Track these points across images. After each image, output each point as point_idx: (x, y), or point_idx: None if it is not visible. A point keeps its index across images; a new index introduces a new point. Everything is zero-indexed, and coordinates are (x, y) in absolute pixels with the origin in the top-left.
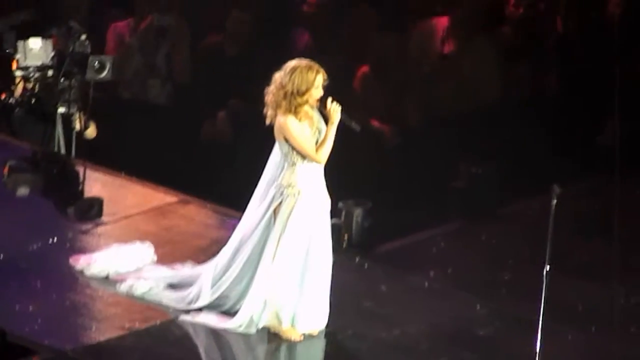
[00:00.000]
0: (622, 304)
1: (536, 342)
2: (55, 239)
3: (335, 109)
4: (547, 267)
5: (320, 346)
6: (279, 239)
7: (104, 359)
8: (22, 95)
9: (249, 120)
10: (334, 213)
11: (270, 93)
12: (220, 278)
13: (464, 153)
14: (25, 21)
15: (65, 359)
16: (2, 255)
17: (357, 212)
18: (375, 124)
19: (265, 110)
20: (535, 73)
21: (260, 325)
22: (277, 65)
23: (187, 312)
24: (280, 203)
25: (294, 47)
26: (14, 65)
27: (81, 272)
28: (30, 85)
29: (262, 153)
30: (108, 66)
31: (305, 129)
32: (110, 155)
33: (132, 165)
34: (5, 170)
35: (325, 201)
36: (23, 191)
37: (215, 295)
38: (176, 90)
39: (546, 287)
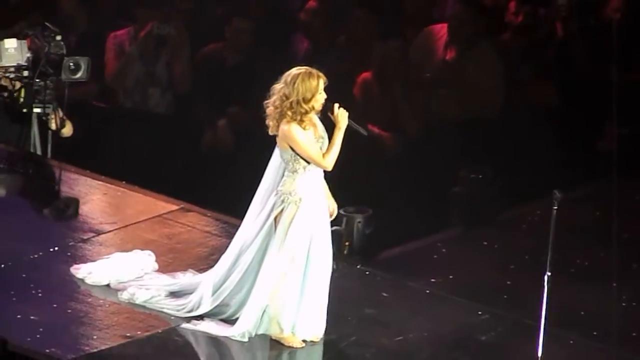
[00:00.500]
0: (623, 308)
1: (538, 347)
2: (56, 247)
3: (342, 114)
4: (548, 273)
5: (321, 353)
6: (280, 246)
7: None
8: None
9: (249, 128)
10: (335, 220)
11: (272, 105)
12: (220, 286)
13: (464, 159)
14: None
15: None
16: (2, 265)
17: (358, 219)
18: (376, 130)
19: (267, 122)
20: (534, 79)
21: (259, 332)
22: (277, 73)
23: (189, 320)
24: (282, 211)
25: (293, 54)
26: None
27: (82, 280)
28: (5, 86)
29: (262, 161)
30: (83, 67)
31: (309, 136)
32: (111, 164)
33: (133, 174)
34: None
35: (329, 207)
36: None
37: (216, 303)
38: (176, 98)
39: (548, 292)
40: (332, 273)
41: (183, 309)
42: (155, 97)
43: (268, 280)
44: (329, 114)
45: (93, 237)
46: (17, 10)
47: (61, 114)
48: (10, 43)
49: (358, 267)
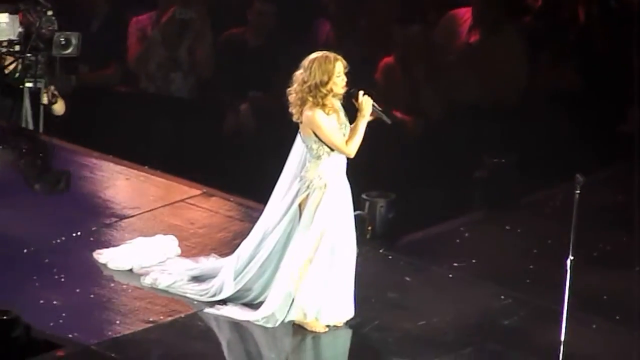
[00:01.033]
0: None
1: (560, 331)
2: (79, 232)
3: (367, 102)
4: (571, 257)
5: (345, 338)
6: (306, 232)
7: (129, 353)
8: None
9: (271, 112)
10: (358, 205)
11: (293, 92)
12: (242, 270)
13: (487, 143)
14: None
15: (89, 353)
16: (25, 250)
17: (381, 204)
18: (398, 115)
19: (290, 109)
20: (556, 63)
21: (287, 320)
22: (299, 57)
23: (211, 304)
24: (307, 197)
25: (315, 38)
26: None
27: (105, 265)
28: None
29: (284, 145)
30: (74, 42)
31: (333, 122)
32: (134, 149)
33: (155, 159)
34: None
35: (349, 192)
36: None
37: (238, 287)
38: (198, 82)
39: (570, 277)
40: (356, 257)
41: (206, 293)
42: (178, 82)
43: (293, 265)
44: (353, 100)
45: (116, 222)
46: None
47: (53, 89)
48: (2, 18)
49: (381, 251)
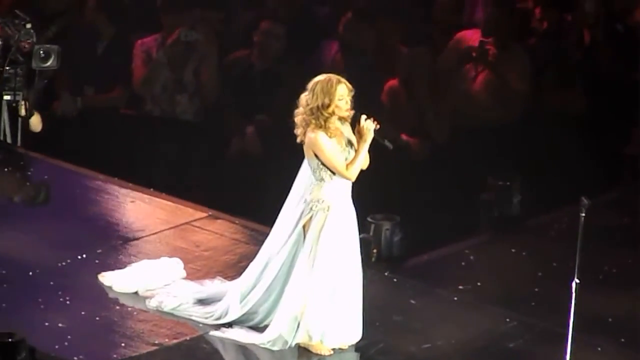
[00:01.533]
0: None
1: (566, 354)
2: (84, 255)
3: (368, 127)
4: (577, 279)
5: None
6: (310, 254)
7: None
8: None
9: (277, 135)
10: (363, 227)
11: (299, 114)
12: (248, 293)
13: (492, 165)
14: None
15: None
16: (31, 272)
17: (386, 227)
18: (404, 137)
19: (295, 131)
20: (561, 85)
21: (294, 343)
22: (305, 79)
23: (217, 327)
24: (310, 219)
25: (322, 59)
26: None
27: (110, 288)
28: None
29: (290, 168)
30: (53, 55)
31: (335, 145)
32: (139, 171)
33: (160, 181)
34: None
35: (354, 215)
36: None
37: (244, 311)
38: (204, 105)
39: (575, 299)
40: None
41: (211, 316)
42: (183, 104)
43: (297, 288)
44: (357, 124)
45: (121, 244)
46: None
47: (29, 104)
48: None
49: (386, 274)
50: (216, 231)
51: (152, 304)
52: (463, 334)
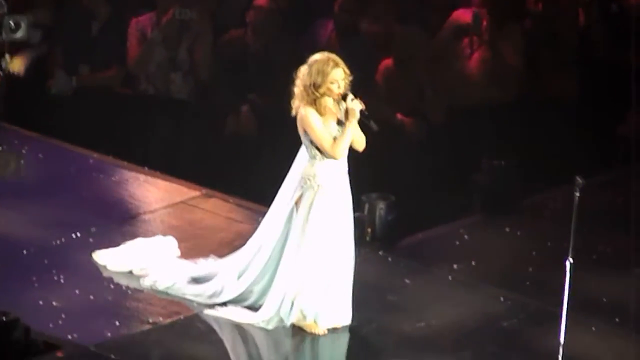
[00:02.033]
0: None
1: (560, 334)
2: (78, 233)
3: (354, 107)
4: (571, 259)
5: (344, 340)
6: (301, 232)
7: (128, 355)
8: None
9: (271, 113)
10: (358, 207)
11: (296, 85)
12: (244, 272)
13: (486, 146)
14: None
15: (88, 355)
16: (25, 251)
17: (381, 206)
18: (398, 117)
19: (292, 102)
20: (556, 66)
21: (289, 323)
22: (300, 58)
23: (211, 306)
24: (301, 196)
25: (317, 39)
26: None
27: (104, 267)
28: None
29: (285, 146)
30: (23, 26)
31: (329, 124)
32: (133, 150)
33: (155, 160)
34: None
35: (348, 196)
36: None
37: (240, 290)
38: (198, 84)
39: (570, 279)
40: (355, 260)
41: (205, 295)
42: (177, 83)
43: (290, 267)
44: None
45: (115, 223)
46: None
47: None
48: None
49: (380, 253)
50: (210, 210)
51: (146, 282)
52: (457, 313)
